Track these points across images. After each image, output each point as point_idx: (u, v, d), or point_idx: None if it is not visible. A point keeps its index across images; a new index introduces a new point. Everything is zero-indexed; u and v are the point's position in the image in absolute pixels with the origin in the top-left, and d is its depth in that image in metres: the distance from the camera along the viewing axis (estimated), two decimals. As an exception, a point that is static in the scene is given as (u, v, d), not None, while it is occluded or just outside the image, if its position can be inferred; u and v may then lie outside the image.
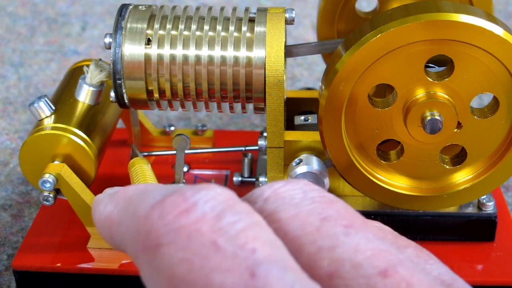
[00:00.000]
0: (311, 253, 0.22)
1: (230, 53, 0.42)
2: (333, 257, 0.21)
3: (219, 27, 0.42)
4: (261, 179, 0.45)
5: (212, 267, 0.20)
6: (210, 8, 0.44)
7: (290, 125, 0.47)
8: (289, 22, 0.43)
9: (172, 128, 0.54)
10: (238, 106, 0.44)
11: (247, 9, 0.44)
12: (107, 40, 0.42)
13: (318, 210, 0.23)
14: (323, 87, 0.40)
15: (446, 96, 0.40)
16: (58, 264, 0.43)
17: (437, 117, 0.39)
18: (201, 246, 0.21)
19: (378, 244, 0.22)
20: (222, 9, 0.43)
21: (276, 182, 0.24)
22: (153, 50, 0.42)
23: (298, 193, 0.23)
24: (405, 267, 0.21)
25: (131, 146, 0.49)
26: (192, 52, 0.42)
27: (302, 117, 0.47)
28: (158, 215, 0.22)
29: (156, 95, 0.43)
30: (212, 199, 0.22)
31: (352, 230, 0.22)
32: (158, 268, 0.21)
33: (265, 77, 0.42)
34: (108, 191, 0.26)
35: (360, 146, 0.42)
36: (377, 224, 0.24)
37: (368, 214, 0.44)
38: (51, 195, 0.43)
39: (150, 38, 0.42)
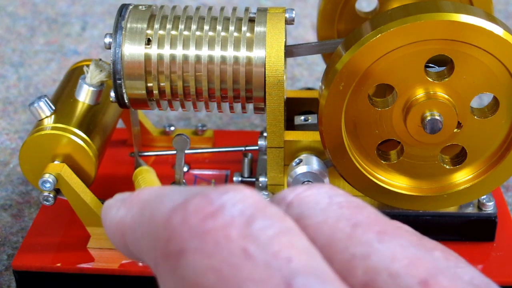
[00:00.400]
0: (344, 261, 0.20)
1: (230, 53, 0.42)
2: (368, 265, 0.20)
3: (219, 27, 0.42)
4: (261, 179, 0.45)
5: (243, 277, 0.19)
6: (210, 8, 0.44)
7: (290, 125, 0.47)
8: (289, 22, 0.43)
9: (172, 128, 0.54)
10: (238, 106, 0.44)
11: (247, 9, 0.44)
12: (107, 40, 0.42)
13: (347, 216, 0.21)
14: (323, 87, 0.40)
15: (446, 96, 0.40)
16: (58, 264, 0.43)
17: (437, 117, 0.39)
18: (230, 254, 0.19)
19: (414, 252, 0.20)
20: (222, 9, 0.43)
21: (299, 187, 0.22)
22: (153, 50, 0.42)
23: (324, 198, 0.22)
24: (445, 276, 0.20)
25: (134, 156, 0.49)
26: (192, 52, 0.42)
27: (302, 117, 0.47)
28: (181, 218, 0.20)
29: (156, 95, 0.43)
30: (241, 202, 0.20)
31: (386, 236, 0.21)
32: (181, 277, 0.19)
33: (265, 77, 0.42)
34: (119, 196, 0.24)
35: (360, 146, 0.42)
36: (397, 224, 0.23)
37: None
38: (51, 195, 0.43)
39: (150, 38, 0.42)
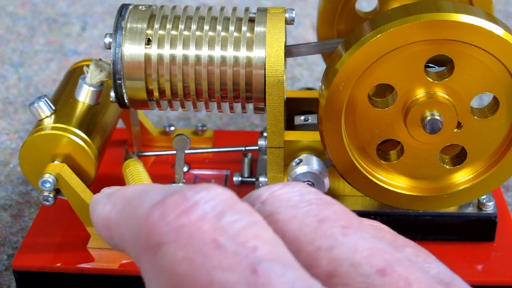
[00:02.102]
0: (310, 253, 0.22)
1: (230, 53, 0.42)
2: (331, 256, 0.22)
3: (219, 27, 0.42)
4: (261, 179, 0.45)
5: (213, 265, 0.20)
6: (210, 8, 0.44)
7: (290, 125, 0.47)
8: (289, 22, 0.43)
9: (172, 128, 0.54)
10: (238, 106, 0.44)
11: (247, 9, 0.44)
12: (107, 40, 0.42)
13: (315, 212, 0.23)
14: (323, 87, 0.40)
15: (446, 96, 0.40)
16: (58, 264, 0.43)
17: (437, 117, 0.39)
18: (202, 245, 0.21)
19: (375, 244, 0.22)
20: (222, 9, 0.43)
21: (274, 185, 0.24)
22: (153, 50, 0.42)
23: (295, 196, 0.24)
24: (402, 265, 0.22)
25: (124, 148, 0.49)
26: (192, 52, 0.42)
27: (302, 117, 0.47)
28: (159, 214, 0.22)
29: (156, 95, 0.43)
30: (213, 199, 0.22)
31: (350, 230, 0.22)
32: (159, 267, 0.21)
33: (265, 77, 0.42)
34: (106, 190, 0.27)
35: (360, 146, 0.42)
36: (375, 224, 0.25)
37: (368, 214, 0.44)
38: (51, 195, 0.43)
39: (150, 38, 0.42)
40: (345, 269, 0.21)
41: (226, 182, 0.50)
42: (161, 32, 0.42)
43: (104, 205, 0.25)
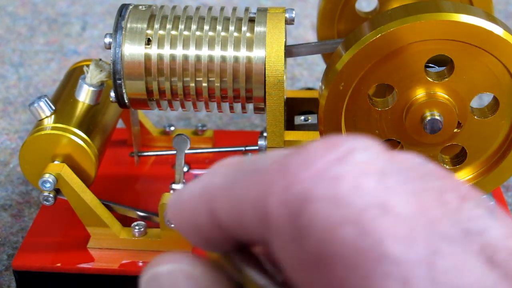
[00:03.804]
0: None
1: (230, 53, 0.42)
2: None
3: (219, 27, 0.42)
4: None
5: (386, 233, 0.16)
6: (210, 8, 0.43)
7: (290, 125, 0.47)
8: (289, 22, 0.43)
9: (172, 128, 0.54)
10: (238, 106, 0.44)
11: (247, 9, 0.44)
12: (107, 40, 0.42)
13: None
14: (323, 87, 0.40)
15: (446, 96, 0.40)
16: (58, 264, 0.43)
17: (437, 117, 0.39)
18: (368, 205, 0.16)
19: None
20: (222, 9, 0.43)
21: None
22: (153, 50, 0.42)
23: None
24: None
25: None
26: (192, 52, 0.42)
27: (302, 117, 0.47)
28: (300, 162, 0.17)
29: (156, 95, 0.43)
30: (370, 148, 0.17)
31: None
32: (305, 231, 0.16)
33: (265, 77, 0.42)
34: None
35: (360, 146, 0.42)
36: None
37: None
38: (51, 195, 0.43)
39: (150, 38, 0.42)
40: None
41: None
42: (161, 32, 0.42)
43: (195, 182, 0.20)
